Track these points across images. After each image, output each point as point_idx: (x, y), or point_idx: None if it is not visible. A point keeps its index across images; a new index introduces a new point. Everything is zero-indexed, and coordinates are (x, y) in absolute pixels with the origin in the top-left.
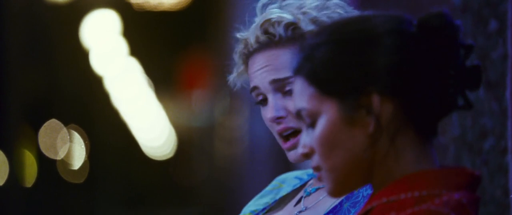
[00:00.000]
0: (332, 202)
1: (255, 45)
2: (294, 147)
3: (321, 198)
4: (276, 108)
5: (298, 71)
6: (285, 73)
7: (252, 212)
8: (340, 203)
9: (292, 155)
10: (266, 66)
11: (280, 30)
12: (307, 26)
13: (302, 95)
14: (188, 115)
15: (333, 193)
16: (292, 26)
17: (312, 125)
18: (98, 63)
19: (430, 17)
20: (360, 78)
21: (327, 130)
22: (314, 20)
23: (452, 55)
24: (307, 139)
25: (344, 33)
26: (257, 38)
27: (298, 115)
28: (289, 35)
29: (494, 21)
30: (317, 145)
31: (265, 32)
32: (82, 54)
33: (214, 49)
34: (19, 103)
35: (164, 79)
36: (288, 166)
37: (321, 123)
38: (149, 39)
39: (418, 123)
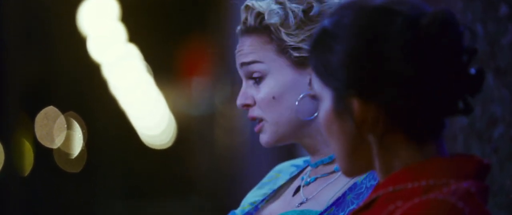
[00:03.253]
0: (334, 192)
1: (238, 29)
2: (260, 130)
3: (321, 188)
4: (243, 96)
5: (309, 55)
6: (250, 58)
7: (251, 204)
8: (343, 195)
9: (261, 139)
10: (239, 51)
11: (250, 18)
12: (270, 19)
13: (313, 77)
14: (188, 103)
15: (342, 173)
16: (261, 15)
17: None
18: (96, 50)
19: (430, 25)
20: (345, 81)
21: (324, 116)
22: (282, 8)
23: (450, 63)
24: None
25: (339, 33)
26: (240, 21)
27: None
28: (257, 25)
29: (505, 6)
30: (321, 126)
31: (244, 18)
32: (80, 41)
33: (214, 36)
34: (16, 90)
35: (164, 67)
36: (290, 155)
37: (322, 108)
38: (148, 26)
39: (408, 127)
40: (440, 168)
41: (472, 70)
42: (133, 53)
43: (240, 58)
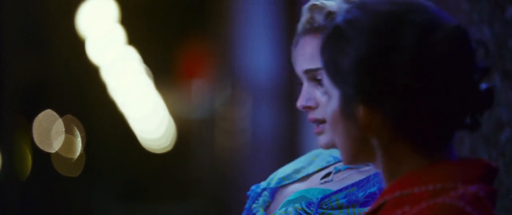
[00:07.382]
0: (359, 178)
1: (300, 28)
2: (321, 132)
3: (348, 174)
4: (305, 97)
5: (321, 50)
6: (317, 64)
7: (280, 179)
8: (367, 178)
9: (320, 141)
10: (302, 54)
11: (319, 18)
12: None
13: (323, 72)
14: (188, 106)
15: (343, 161)
16: (333, 14)
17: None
18: (95, 52)
19: (442, 42)
20: (354, 86)
21: (332, 113)
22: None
23: (460, 79)
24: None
25: (352, 35)
26: (302, 21)
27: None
28: (328, 25)
29: None
30: (327, 118)
31: (309, 17)
32: (78, 43)
33: (214, 37)
34: (14, 93)
35: (163, 69)
36: (291, 158)
37: (330, 104)
38: (147, 27)
39: (414, 137)
40: (447, 172)
41: (483, 86)
42: (132, 55)
43: (304, 63)
